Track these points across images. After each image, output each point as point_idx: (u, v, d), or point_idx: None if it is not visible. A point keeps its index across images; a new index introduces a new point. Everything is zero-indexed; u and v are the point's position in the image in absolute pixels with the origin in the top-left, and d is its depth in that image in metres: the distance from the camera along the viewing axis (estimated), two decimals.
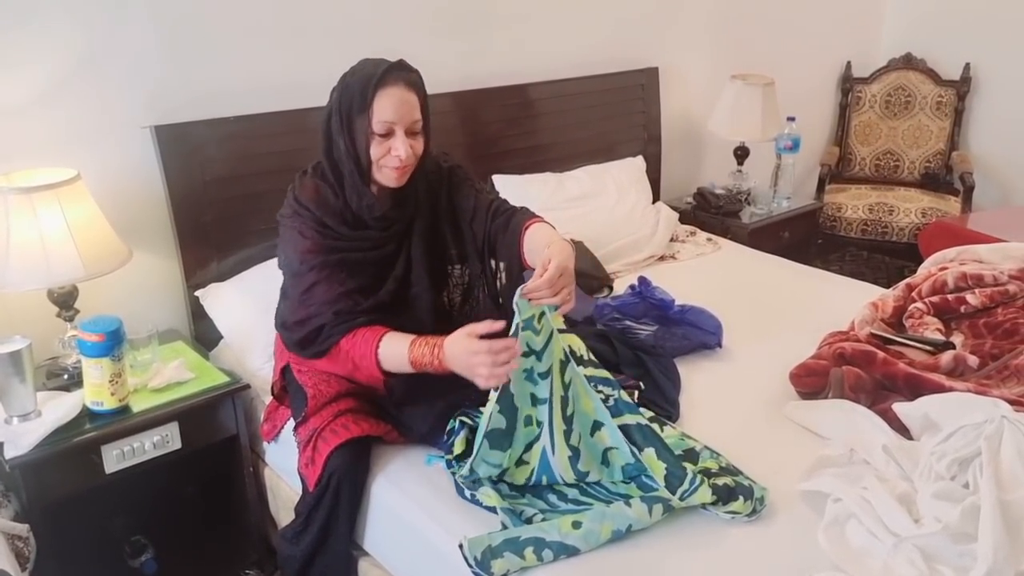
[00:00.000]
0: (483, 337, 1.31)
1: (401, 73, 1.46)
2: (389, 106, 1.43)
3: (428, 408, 1.52)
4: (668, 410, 1.66)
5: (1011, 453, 1.20)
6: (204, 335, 2.05)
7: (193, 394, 1.72)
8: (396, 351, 1.40)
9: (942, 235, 2.81)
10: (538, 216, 1.58)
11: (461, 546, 1.27)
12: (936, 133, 3.69)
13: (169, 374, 1.76)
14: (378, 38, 2.27)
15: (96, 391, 1.61)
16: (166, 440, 1.67)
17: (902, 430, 1.53)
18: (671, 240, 2.67)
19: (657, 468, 1.37)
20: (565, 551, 1.27)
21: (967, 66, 3.61)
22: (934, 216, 3.26)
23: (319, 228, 1.50)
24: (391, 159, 1.46)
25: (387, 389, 1.52)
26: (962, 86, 3.64)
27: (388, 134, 1.45)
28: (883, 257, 3.59)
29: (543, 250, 1.37)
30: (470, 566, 1.25)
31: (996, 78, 3.60)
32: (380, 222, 1.54)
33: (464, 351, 1.32)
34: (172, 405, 1.69)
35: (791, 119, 3.05)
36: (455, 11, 2.42)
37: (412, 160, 1.49)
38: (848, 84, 3.78)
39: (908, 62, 3.71)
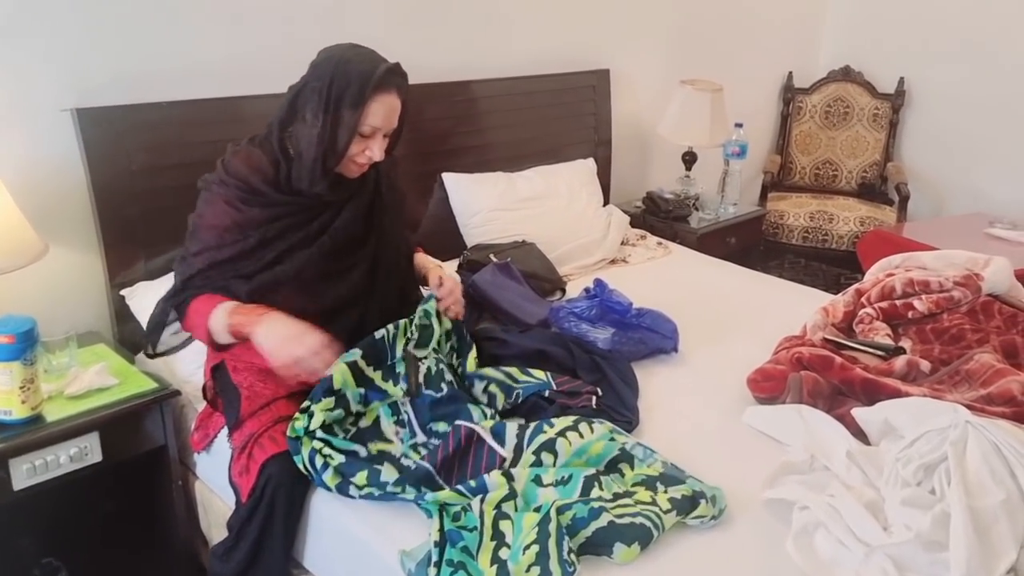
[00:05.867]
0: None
1: (397, 79, 1.47)
2: (381, 112, 1.45)
3: None
4: (628, 416, 1.60)
5: (977, 459, 1.19)
6: (129, 338, 1.89)
7: (116, 401, 1.59)
8: (218, 316, 1.42)
9: (880, 243, 2.87)
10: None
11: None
12: (872, 144, 3.79)
13: (89, 380, 1.61)
14: (325, 23, 2.17)
15: (4, 399, 1.46)
16: (84, 452, 1.53)
17: (859, 435, 1.52)
18: (622, 243, 2.64)
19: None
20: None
21: (901, 80, 3.73)
22: (871, 225, 3.33)
23: (244, 198, 1.48)
24: (363, 157, 1.49)
25: None
26: (897, 99, 3.75)
27: (370, 136, 1.47)
28: (820, 265, 3.67)
29: (431, 268, 1.69)
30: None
31: (928, 93, 3.73)
32: (315, 198, 1.52)
33: (303, 344, 1.38)
34: (92, 414, 1.55)
35: (739, 125, 3.07)
36: (408, 1, 2.33)
37: (381, 159, 1.52)
38: (790, 94, 3.85)
39: (846, 74, 3.81)
